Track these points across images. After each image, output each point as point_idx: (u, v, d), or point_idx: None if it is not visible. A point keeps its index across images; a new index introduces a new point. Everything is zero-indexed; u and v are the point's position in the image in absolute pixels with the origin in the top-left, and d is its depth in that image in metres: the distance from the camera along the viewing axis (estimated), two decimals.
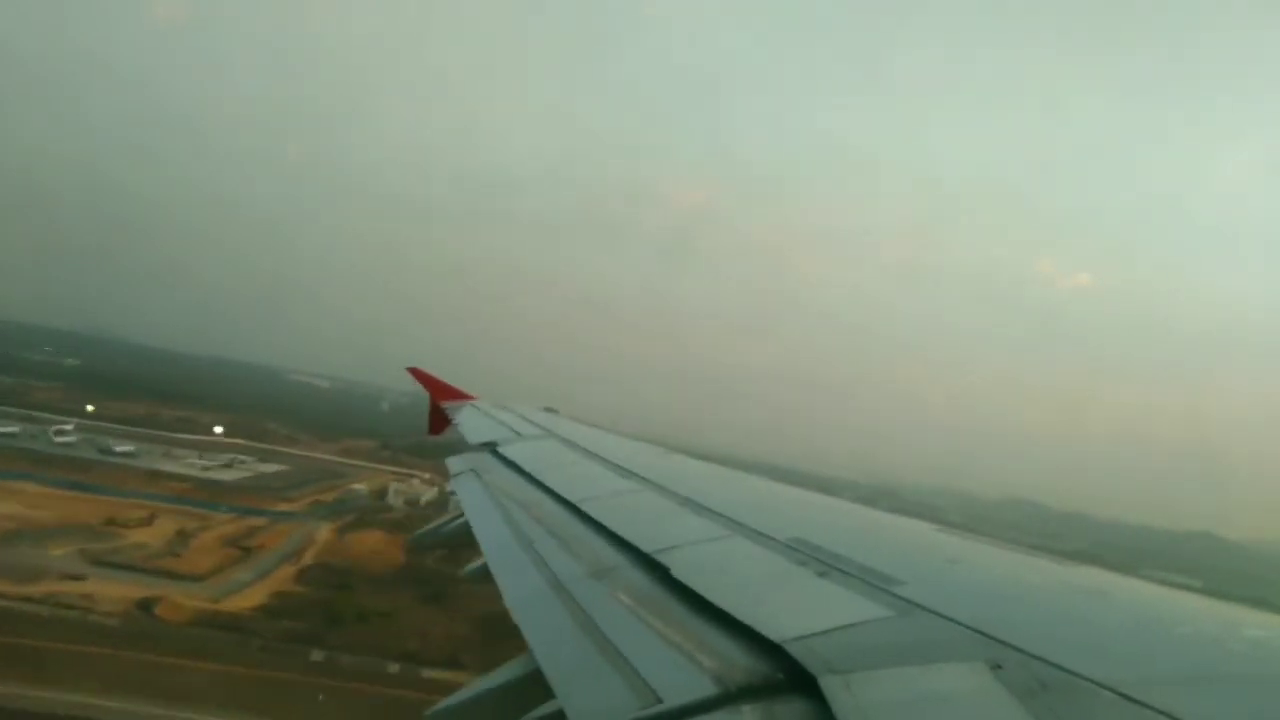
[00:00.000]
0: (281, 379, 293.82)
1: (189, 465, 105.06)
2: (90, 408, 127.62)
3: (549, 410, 12.06)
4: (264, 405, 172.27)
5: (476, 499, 6.40)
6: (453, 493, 7.19)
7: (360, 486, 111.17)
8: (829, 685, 2.36)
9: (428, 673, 56.82)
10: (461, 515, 6.33)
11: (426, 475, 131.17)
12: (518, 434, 9.56)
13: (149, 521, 78.51)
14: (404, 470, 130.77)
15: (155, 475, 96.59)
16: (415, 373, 14.10)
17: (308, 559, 77.58)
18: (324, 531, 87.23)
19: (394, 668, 57.59)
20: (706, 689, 2.56)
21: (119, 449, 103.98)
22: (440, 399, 13.40)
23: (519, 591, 4.04)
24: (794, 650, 2.62)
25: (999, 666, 2.41)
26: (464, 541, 6.06)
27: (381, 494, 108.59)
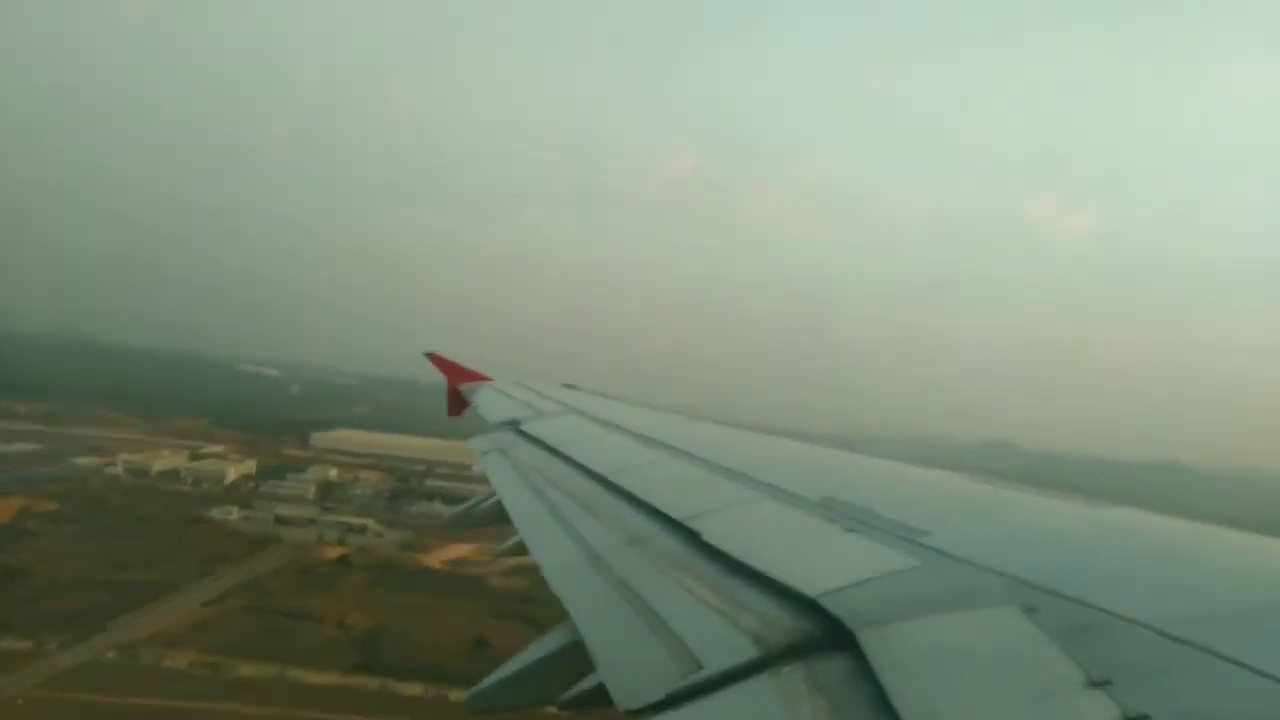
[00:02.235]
0: (227, 369, 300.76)
1: None
2: None
3: (567, 386, 12.04)
4: (138, 393, 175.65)
5: (505, 477, 6.45)
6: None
7: (87, 460, 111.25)
8: (866, 639, 2.37)
9: None
10: (493, 494, 6.40)
11: (218, 448, 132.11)
12: (539, 411, 9.57)
13: None
14: (191, 444, 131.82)
15: None
16: (433, 358, 14.28)
17: None
18: None
19: None
20: (746, 651, 2.55)
21: None
22: (457, 382, 13.52)
23: (555, 564, 4.07)
24: (829, 605, 2.64)
25: (1033, 610, 2.40)
26: (497, 520, 6.16)
27: (109, 465, 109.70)
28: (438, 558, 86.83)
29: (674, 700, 2.41)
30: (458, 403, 13.13)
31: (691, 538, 3.81)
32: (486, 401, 11.45)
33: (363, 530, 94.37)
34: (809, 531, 3.71)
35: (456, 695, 51.36)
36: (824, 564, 3.13)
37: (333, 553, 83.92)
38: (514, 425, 8.68)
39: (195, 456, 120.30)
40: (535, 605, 68.85)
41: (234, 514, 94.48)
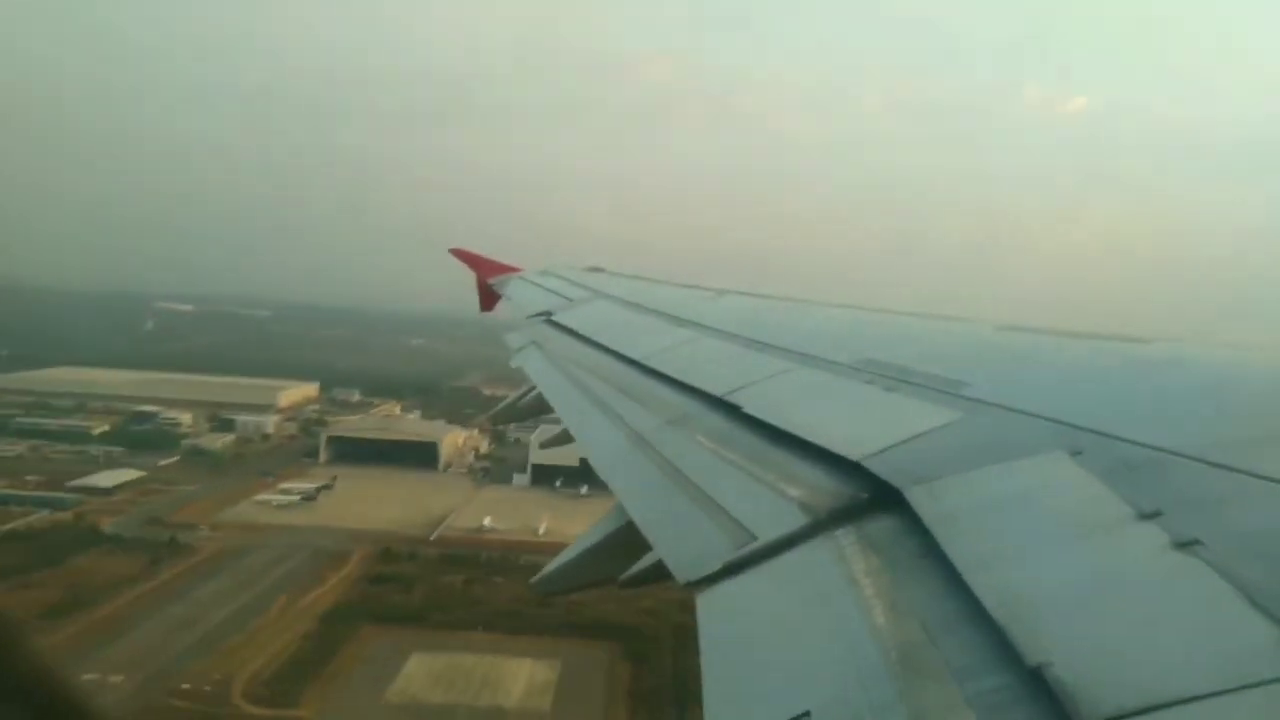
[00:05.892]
0: (143, 306, 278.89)
1: None
2: None
3: (594, 269, 12.01)
4: None
5: (542, 370, 6.51)
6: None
7: None
8: (915, 496, 2.39)
9: None
10: (533, 388, 6.47)
11: None
12: (568, 300, 9.62)
13: None
14: None
15: None
16: (458, 253, 14.28)
17: None
18: None
19: None
20: (796, 519, 2.58)
21: None
22: (486, 275, 13.39)
23: (600, 450, 4.09)
24: (874, 466, 2.65)
25: (1079, 452, 2.39)
26: (539, 411, 6.45)
27: None
28: None
29: (731, 570, 2.47)
30: (489, 297, 13.00)
31: (732, 412, 3.82)
32: (516, 294, 11.59)
33: None
34: (848, 395, 3.73)
35: None
36: (866, 425, 3.13)
37: None
38: (545, 316, 8.75)
39: None
40: None
41: None
